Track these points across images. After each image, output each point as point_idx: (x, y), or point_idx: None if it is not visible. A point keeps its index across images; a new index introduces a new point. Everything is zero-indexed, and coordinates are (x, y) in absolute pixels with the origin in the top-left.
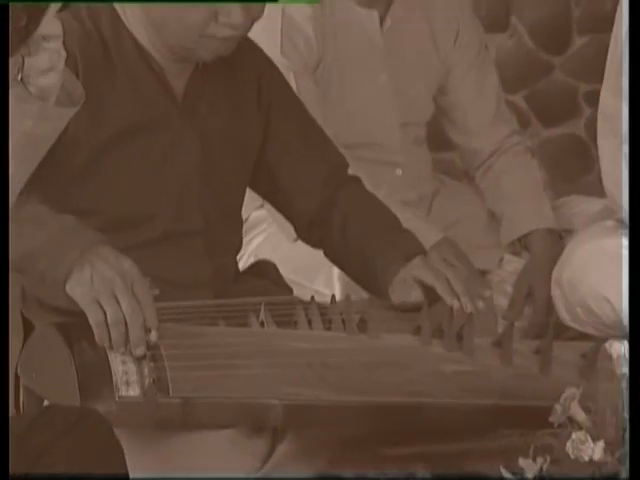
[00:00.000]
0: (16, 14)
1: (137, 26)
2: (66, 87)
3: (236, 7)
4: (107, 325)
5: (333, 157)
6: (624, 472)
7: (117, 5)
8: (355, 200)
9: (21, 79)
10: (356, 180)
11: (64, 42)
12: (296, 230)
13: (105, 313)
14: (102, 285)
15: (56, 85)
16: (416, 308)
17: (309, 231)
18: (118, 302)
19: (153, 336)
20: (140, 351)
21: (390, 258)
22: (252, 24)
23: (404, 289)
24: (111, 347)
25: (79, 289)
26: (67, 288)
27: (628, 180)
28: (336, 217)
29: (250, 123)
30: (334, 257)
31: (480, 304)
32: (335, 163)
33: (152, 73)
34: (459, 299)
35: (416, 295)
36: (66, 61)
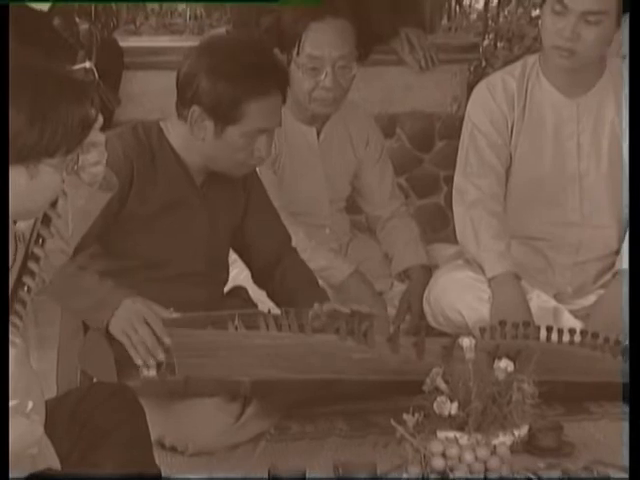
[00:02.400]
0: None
1: (175, 139)
2: (106, 178)
3: (265, 144)
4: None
5: (282, 232)
6: (471, 422)
7: (162, 123)
8: (292, 263)
9: (76, 170)
10: (295, 250)
11: (125, 150)
12: (251, 274)
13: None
14: (127, 325)
15: (101, 174)
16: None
17: (259, 277)
18: (137, 332)
19: (167, 341)
20: (160, 357)
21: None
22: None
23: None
24: (143, 359)
25: (115, 330)
26: (109, 329)
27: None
28: (278, 272)
29: (238, 203)
30: (271, 295)
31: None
32: (283, 236)
33: (182, 170)
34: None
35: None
36: (125, 163)
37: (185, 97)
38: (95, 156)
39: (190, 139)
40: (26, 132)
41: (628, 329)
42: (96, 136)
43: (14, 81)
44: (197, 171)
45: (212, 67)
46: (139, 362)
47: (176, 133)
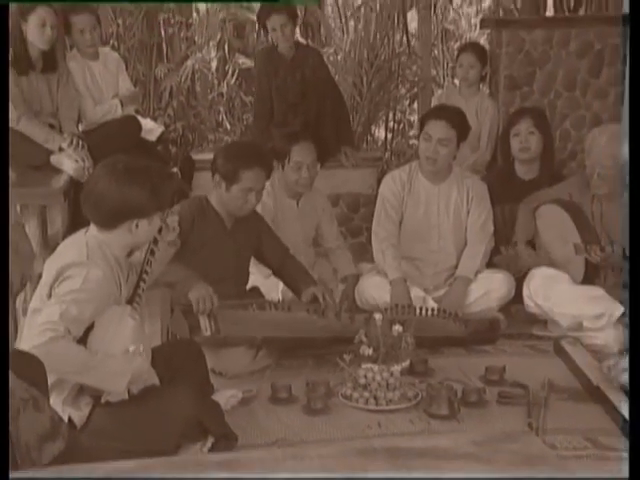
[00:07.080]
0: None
1: (215, 204)
2: (175, 241)
3: (253, 198)
4: (198, 306)
5: (284, 246)
6: (380, 360)
7: (208, 195)
8: (293, 263)
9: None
10: (293, 256)
11: (191, 208)
12: (272, 272)
13: (199, 304)
14: (200, 296)
15: (173, 238)
16: (311, 301)
17: (276, 273)
18: (205, 302)
19: (215, 308)
20: (209, 309)
21: (304, 284)
22: (258, 202)
23: (306, 295)
24: (202, 313)
25: (192, 296)
26: (189, 295)
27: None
28: (285, 270)
29: (252, 236)
30: (284, 282)
31: (332, 299)
32: (285, 248)
33: (218, 220)
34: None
35: (308, 297)
36: (190, 215)
37: (212, 170)
38: (175, 228)
39: (219, 199)
40: (147, 201)
41: (629, 329)
42: (172, 221)
43: (144, 179)
44: (228, 221)
45: (225, 152)
46: (195, 310)
47: (214, 198)
